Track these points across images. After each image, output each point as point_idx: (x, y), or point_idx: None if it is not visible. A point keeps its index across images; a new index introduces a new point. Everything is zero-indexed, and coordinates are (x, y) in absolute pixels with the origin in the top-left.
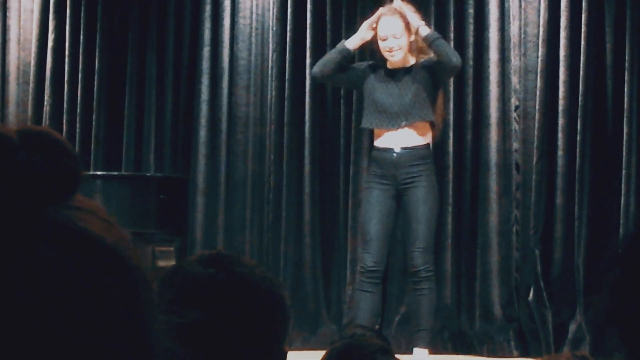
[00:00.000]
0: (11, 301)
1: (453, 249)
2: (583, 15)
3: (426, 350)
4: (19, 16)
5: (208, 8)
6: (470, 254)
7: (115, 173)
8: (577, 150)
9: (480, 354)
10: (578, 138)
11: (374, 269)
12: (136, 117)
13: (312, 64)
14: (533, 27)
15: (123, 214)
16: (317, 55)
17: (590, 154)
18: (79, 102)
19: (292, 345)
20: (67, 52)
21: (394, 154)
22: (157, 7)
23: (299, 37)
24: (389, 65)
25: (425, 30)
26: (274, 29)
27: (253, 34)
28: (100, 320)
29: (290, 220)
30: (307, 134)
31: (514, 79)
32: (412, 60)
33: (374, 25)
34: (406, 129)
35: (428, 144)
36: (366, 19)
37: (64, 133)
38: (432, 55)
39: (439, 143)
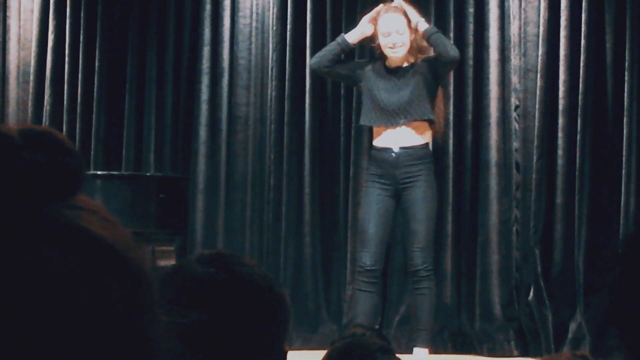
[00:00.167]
0: (12, 301)
1: (453, 249)
2: (583, 15)
3: (426, 350)
4: (19, 16)
5: (208, 8)
6: (470, 254)
7: (115, 173)
8: (577, 149)
9: (480, 354)
10: (578, 137)
11: (372, 268)
12: (136, 117)
13: None
14: (533, 27)
15: (123, 214)
16: None
17: (590, 154)
18: (79, 101)
19: (292, 345)
20: (67, 52)
21: (393, 154)
22: (157, 7)
23: (299, 37)
24: (388, 63)
25: (424, 25)
26: (274, 28)
27: (253, 34)
28: (102, 320)
29: (290, 220)
30: (307, 134)
31: (514, 79)
32: (411, 59)
33: (374, 17)
34: (405, 128)
35: (427, 143)
36: None
37: (64, 133)
38: (431, 53)
39: (439, 143)
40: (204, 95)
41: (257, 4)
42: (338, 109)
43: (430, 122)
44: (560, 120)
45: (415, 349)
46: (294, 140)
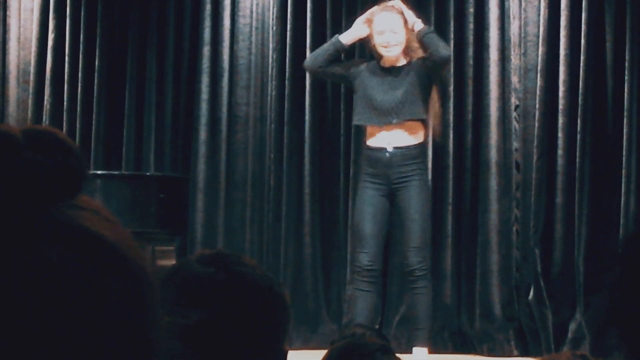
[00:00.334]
0: (12, 300)
1: (453, 248)
2: (583, 15)
3: (425, 349)
4: (19, 16)
5: (208, 7)
6: (470, 253)
7: (116, 172)
8: (577, 149)
9: (480, 354)
10: (578, 137)
11: (370, 267)
12: (136, 117)
13: None
14: (533, 27)
15: (123, 214)
16: None
17: (590, 153)
18: (79, 101)
19: (292, 345)
20: (67, 52)
21: (387, 154)
22: (157, 7)
23: (299, 37)
24: (382, 62)
25: (419, 25)
26: (274, 28)
27: (253, 33)
28: (102, 320)
29: (290, 220)
30: (307, 134)
31: (514, 79)
32: (405, 60)
33: (369, 18)
34: (398, 128)
35: (420, 143)
36: None
37: (63, 132)
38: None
39: (439, 143)
40: (204, 95)
41: (257, 4)
42: (338, 109)
43: (423, 122)
44: (560, 120)
45: (415, 349)
46: (294, 140)
